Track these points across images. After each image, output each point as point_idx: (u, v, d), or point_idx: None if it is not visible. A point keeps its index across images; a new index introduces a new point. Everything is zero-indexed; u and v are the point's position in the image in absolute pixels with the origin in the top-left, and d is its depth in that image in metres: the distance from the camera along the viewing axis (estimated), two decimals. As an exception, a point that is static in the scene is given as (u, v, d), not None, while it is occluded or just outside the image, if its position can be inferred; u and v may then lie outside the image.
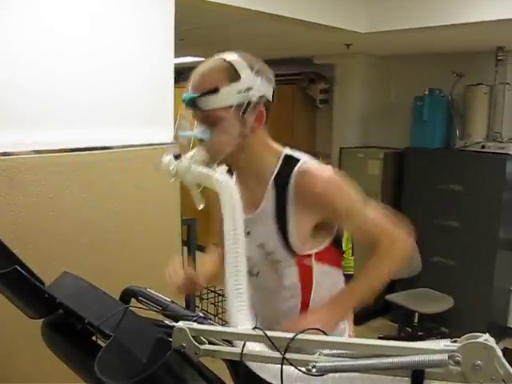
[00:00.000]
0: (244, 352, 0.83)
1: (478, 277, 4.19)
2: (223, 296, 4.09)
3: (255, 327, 0.83)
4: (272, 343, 0.80)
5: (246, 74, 1.38)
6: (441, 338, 0.80)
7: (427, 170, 4.45)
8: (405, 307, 4.01)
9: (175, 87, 2.46)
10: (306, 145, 5.06)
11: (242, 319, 1.05)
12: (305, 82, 5.49)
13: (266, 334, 0.80)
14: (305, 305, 1.57)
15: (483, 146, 4.15)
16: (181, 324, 0.86)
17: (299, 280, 1.56)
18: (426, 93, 4.41)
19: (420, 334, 4.14)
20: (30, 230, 1.97)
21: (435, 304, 4.04)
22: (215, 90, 1.36)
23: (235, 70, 1.38)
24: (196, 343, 0.86)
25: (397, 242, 1.50)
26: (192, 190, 1.43)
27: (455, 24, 3.17)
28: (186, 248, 3.58)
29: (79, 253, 2.08)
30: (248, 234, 1.55)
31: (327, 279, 1.59)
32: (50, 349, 1.29)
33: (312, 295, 1.57)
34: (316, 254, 1.55)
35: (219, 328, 0.93)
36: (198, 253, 3.79)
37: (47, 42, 2.00)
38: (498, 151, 4.05)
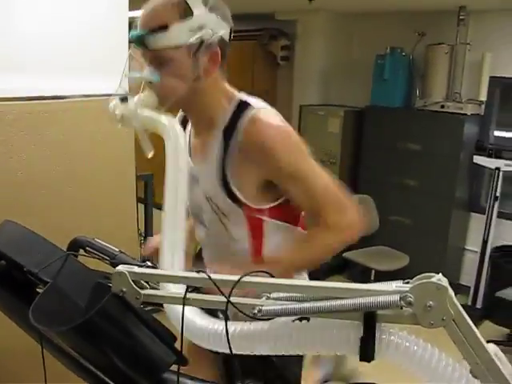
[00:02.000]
0: (187, 297, 0.78)
1: (434, 235, 4.26)
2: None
3: (199, 270, 0.78)
4: (217, 286, 0.76)
5: (199, 11, 1.26)
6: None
7: (387, 128, 4.44)
8: (361, 265, 4.06)
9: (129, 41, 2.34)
10: (266, 102, 4.99)
11: (173, 262, 1.00)
12: (266, 38, 5.38)
13: (209, 277, 0.76)
14: (256, 259, 1.49)
15: (442, 106, 4.16)
16: (120, 268, 0.81)
17: (249, 235, 1.47)
18: (388, 51, 4.36)
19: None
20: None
21: (391, 261, 4.10)
22: (165, 27, 1.25)
23: (187, 6, 1.26)
24: (137, 288, 0.81)
25: (346, 220, 1.39)
26: (140, 137, 1.34)
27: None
28: (143, 206, 3.51)
29: (26, 206, 2.00)
30: (198, 184, 1.49)
31: (280, 235, 1.49)
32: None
33: (263, 251, 1.49)
34: (269, 209, 1.45)
35: (161, 271, 0.88)
36: (155, 210, 3.73)
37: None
38: (457, 111, 4.07)
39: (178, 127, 1.19)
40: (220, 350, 0.82)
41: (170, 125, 1.18)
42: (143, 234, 3.62)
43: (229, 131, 1.38)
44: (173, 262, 1.00)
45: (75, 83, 2.16)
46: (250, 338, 0.78)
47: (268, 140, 1.33)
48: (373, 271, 4.05)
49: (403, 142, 4.31)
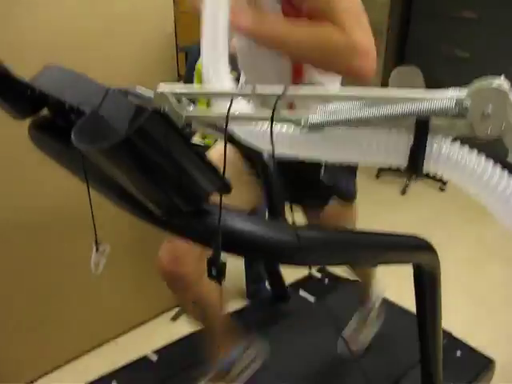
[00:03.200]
0: (230, 113, 0.74)
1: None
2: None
3: (243, 84, 0.74)
4: (262, 100, 0.72)
5: None
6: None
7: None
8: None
9: None
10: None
11: (220, 76, 0.91)
12: None
13: (254, 91, 0.72)
14: (298, 71, 1.35)
15: (503, -32, 3.83)
16: (161, 87, 0.78)
17: None
18: None
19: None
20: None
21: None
22: None
23: None
24: (178, 107, 0.78)
25: (365, 40, 1.17)
26: None
27: None
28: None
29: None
30: None
31: None
32: (38, 148, 1.25)
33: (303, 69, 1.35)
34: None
35: (203, 89, 0.84)
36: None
37: None
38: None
39: None
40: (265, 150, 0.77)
41: None
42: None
43: None
44: (218, 76, 0.92)
45: None
46: (294, 142, 0.75)
47: None
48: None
49: (457, 11, 4.03)
